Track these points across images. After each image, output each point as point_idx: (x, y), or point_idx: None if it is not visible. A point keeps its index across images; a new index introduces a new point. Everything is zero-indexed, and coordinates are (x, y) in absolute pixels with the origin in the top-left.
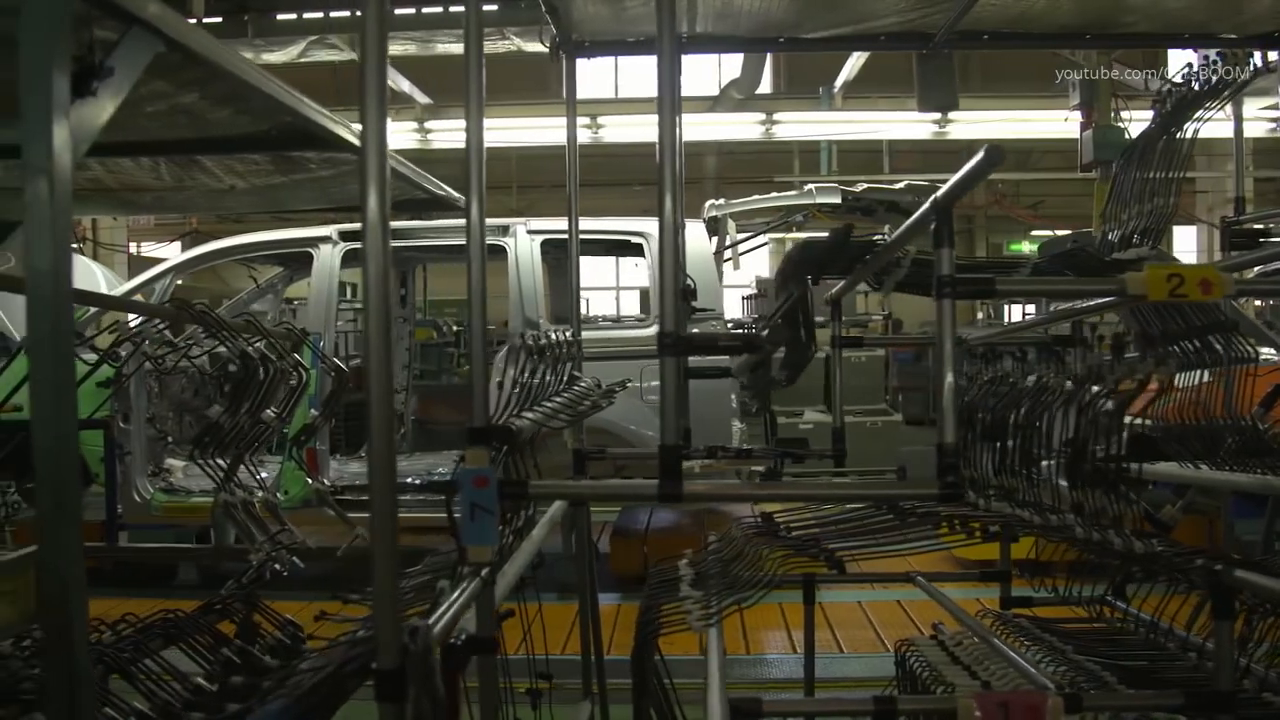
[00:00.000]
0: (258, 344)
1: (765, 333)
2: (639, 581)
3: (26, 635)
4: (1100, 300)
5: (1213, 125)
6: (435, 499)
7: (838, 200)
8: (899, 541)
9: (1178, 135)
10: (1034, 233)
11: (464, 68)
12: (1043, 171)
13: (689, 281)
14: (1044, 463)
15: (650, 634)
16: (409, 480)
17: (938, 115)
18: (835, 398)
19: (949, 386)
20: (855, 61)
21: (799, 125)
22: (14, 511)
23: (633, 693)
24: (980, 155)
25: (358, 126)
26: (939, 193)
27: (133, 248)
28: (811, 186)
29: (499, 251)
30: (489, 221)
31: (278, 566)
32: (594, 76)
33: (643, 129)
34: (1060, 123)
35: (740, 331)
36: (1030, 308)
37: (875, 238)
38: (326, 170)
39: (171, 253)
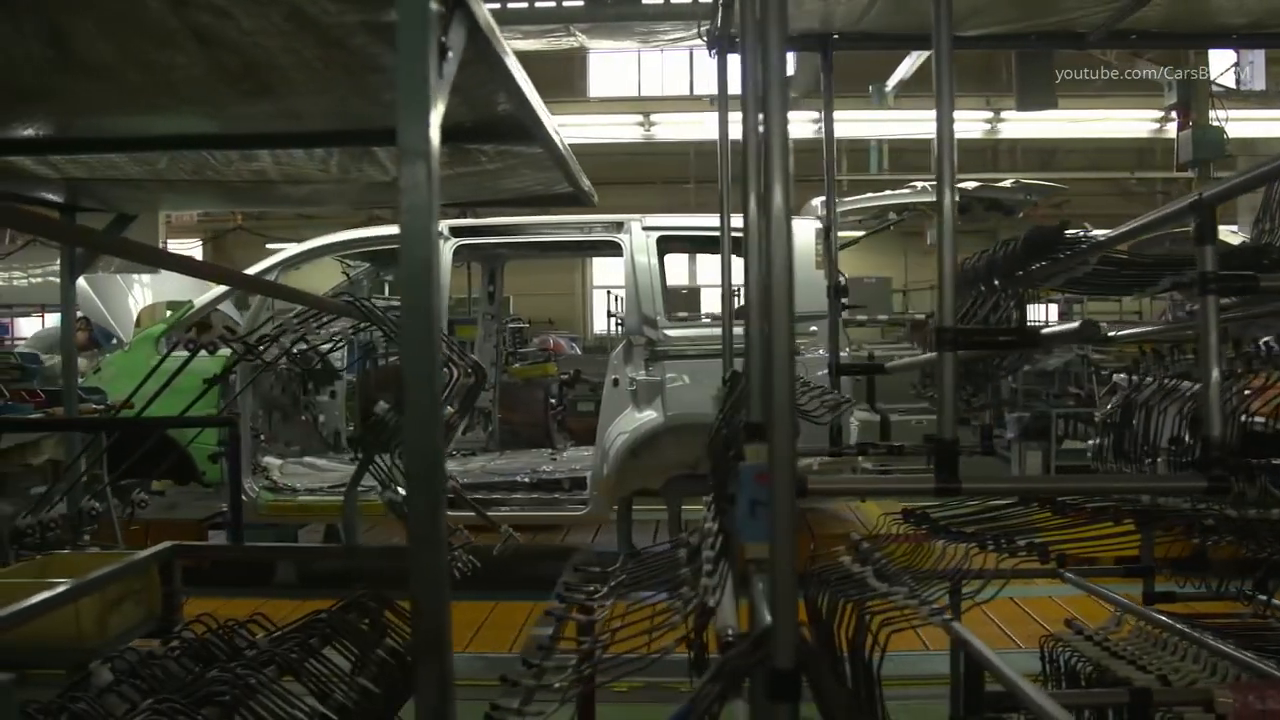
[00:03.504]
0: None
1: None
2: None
3: (172, 636)
4: None
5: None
6: (540, 498)
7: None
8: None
9: None
10: None
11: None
12: (1068, 171)
13: (841, 278)
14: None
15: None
16: (518, 479)
17: (989, 114)
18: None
19: (1215, 382)
20: (913, 61)
21: (852, 124)
22: (139, 509)
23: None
24: None
25: (559, 119)
26: (1207, 193)
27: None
28: (925, 184)
29: (614, 248)
30: (601, 218)
31: (460, 566)
32: (598, 76)
33: (693, 127)
34: (1094, 123)
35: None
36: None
37: (1070, 233)
38: (494, 164)
39: (195, 253)
